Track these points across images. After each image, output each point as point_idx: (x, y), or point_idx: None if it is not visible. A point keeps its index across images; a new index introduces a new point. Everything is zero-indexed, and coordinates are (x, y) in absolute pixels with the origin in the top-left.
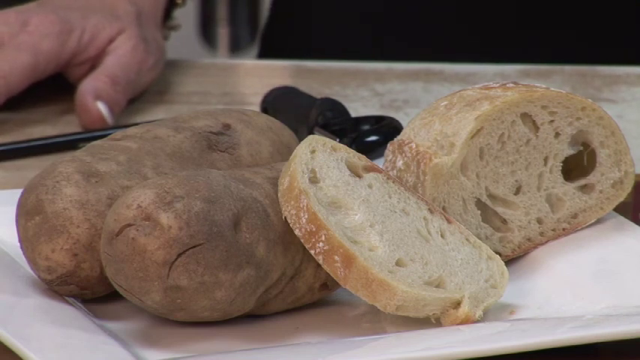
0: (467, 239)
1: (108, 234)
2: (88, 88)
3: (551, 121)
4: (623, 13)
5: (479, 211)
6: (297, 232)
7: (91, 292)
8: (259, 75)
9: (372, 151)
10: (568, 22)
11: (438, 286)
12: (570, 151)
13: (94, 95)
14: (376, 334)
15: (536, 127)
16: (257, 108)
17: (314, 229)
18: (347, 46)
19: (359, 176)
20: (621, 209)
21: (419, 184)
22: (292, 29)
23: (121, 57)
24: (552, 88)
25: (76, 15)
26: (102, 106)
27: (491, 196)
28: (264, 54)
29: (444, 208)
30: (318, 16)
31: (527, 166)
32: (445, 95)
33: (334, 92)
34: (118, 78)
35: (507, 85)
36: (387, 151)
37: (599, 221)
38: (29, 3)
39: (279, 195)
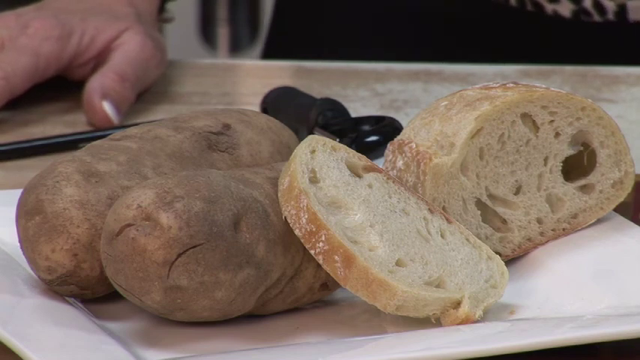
0: (467, 239)
1: (108, 234)
2: (96, 86)
3: (551, 121)
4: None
5: (479, 211)
6: (297, 232)
7: (91, 292)
8: (259, 75)
9: (372, 151)
10: (568, 22)
11: (438, 286)
12: (570, 151)
13: (101, 94)
14: (376, 334)
15: (536, 127)
16: (257, 108)
17: (314, 229)
18: (347, 46)
19: (359, 176)
20: (621, 209)
21: (419, 184)
22: (296, 30)
23: (129, 52)
24: (552, 88)
25: (76, 18)
26: (108, 106)
27: (491, 196)
28: (268, 55)
29: (444, 208)
30: (317, 15)
31: (527, 166)
32: (445, 95)
33: (334, 92)
34: (127, 74)
35: (507, 85)
36: (387, 151)
37: (599, 221)
38: (28, 6)
39: (279, 195)
